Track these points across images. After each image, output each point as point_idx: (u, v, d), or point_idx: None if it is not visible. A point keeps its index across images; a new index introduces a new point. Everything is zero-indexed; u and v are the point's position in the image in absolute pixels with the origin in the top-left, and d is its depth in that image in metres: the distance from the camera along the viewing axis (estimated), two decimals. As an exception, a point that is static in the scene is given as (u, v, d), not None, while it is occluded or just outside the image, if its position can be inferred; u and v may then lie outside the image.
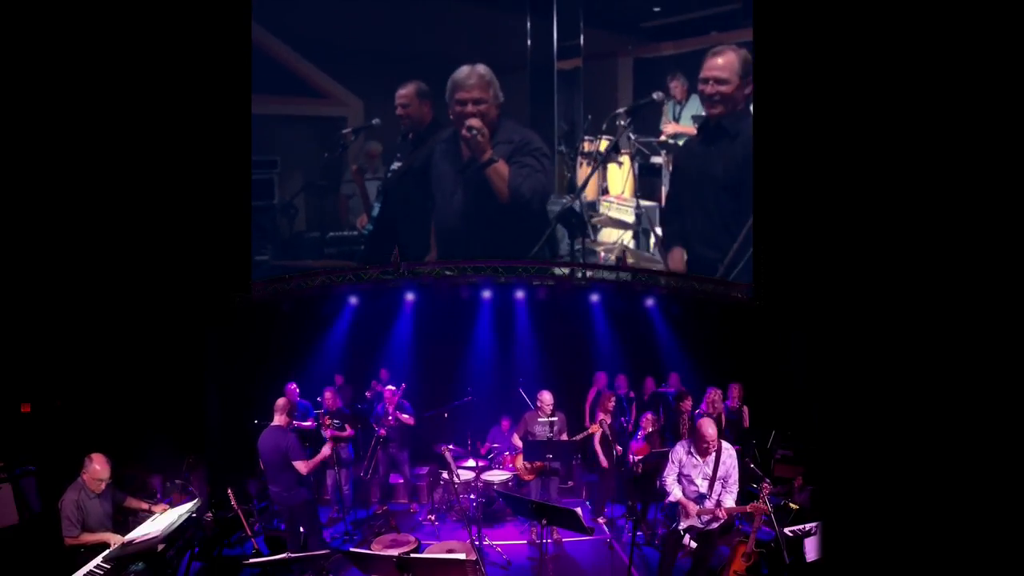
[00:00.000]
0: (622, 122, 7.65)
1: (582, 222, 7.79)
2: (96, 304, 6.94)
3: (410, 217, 7.89)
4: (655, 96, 7.59)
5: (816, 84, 5.69)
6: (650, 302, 8.99)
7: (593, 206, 8.11)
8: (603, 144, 7.92)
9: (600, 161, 7.75)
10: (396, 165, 7.80)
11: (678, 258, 7.68)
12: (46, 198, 6.66)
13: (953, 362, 2.75)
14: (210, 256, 7.56)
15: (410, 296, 8.98)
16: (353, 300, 8.83)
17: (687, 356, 8.75)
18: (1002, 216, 2.82)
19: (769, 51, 7.91)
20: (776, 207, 7.76)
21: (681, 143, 7.77)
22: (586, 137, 7.95)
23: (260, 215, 7.71)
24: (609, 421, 6.82)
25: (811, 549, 4.73)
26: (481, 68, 7.44)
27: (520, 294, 9.04)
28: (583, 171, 7.99)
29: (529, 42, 7.78)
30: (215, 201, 7.61)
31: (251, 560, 4.49)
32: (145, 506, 4.96)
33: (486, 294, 8.96)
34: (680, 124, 7.76)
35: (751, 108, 7.44)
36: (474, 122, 7.39)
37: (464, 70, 7.43)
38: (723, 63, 7.25)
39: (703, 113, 7.57)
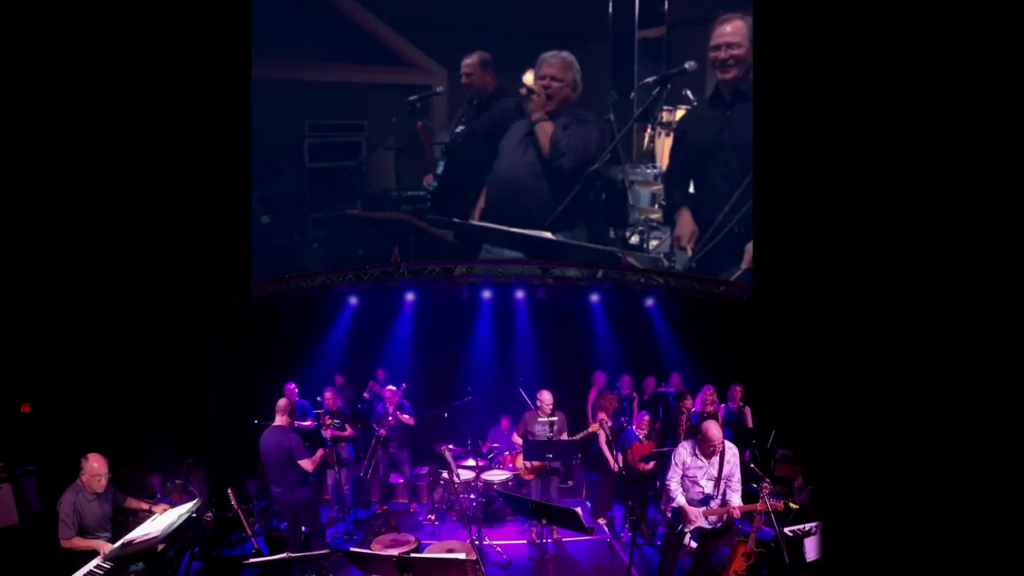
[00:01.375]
0: (653, 91, 7.86)
1: (613, 190, 8.00)
2: (96, 304, 6.94)
3: (472, 177, 8.33)
4: (687, 66, 7.66)
5: (818, 85, 5.69)
6: (650, 302, 8.99)
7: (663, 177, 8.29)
8: (679, 114, 8.02)
9: (624, 130, 7.92)
10: (460, 128, 8.26)
11: (687, 219, 7.81)
12: (46, 198, 6.66)
13: (953, 362, 2.75)
14: (210, 256, 7.56)
15: (410, 296, 8.98)
16: (353, 300, 8.83)
17: (687, 356, 8.75)
18: (1003, 215, 2.82)
19: (770, 51, 7.93)
20: (777, 208, 7.76)
21: (684, 112, 7.90)
22: (665, 107, 8.02)
23: (349, 174, 8.38)
24: (610, 423, 6.82)
25: (811, 549, 4.73)
26: (564, 52, 7.90)
27: (520, 294, 9.04)
28: (660, 141, 8.14)
29: (611, 9, 7.93)
30: (215, 201, 7.61)
31: (251, 560, 4.49)
32: (145, 506, 4.95)
33: (486, 294, 8.96)
34: None
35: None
36: (535, 85, 7.93)
37: (551, 52, 7.93)
38: (732, 29, 7.49)
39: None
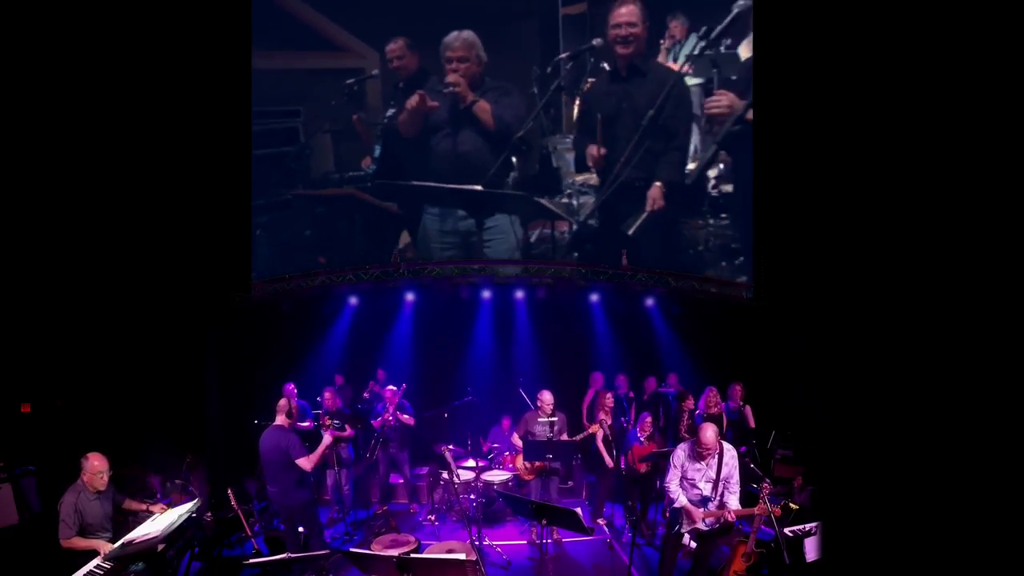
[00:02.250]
0: (566, 66, 8.50)
1: (542, 158, 8.62)
2: (96, 304, 6.94)
3: (409, 155, 8.64)
4: (595, 42, 8.41)
5: (818, 87, 5.70)
6: (650, 302, 8.99)
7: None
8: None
9: (544, 101, 8.49)
10: (391, 112, 8.54)
11: (596, 153, 8.60)
12: (46, 198, 6.67)
13: (953, 362, 2.75)
14: (210, 256, 7.57)
15: (410, 296, 8.98)
16: (353, 300, 8.84)
17: (687, 356, 8.75)
18: (1002, 215, 2.82)
19: (771, 52, 7.94)
20: (777, 208, 7.77)
21: (588, 86, 8.55)
22: (590, 79, 8.58)
23: (289, 158, 8.58)
24: (609, 422, 6.82)
25: (811, 549, 4.73)
26: (466, 33, 8.42)
27: (520, 294, 9.04)
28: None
29: None
30: (215, 201, 7.62)
31: (251, 560, 4.48)
32: (143, 507, 4.95)
33: (486, 294, 8.97)
34: (678, 63, 8.46)
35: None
36: (451, 78, 8.41)
37: (452, 34, 8.43)
38: (627, 11, 8.36)
39: (698, 52, 8.45)
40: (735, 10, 8.20)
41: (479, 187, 8.47)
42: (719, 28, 8.25)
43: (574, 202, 8.55)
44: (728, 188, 8.45)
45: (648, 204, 8.44)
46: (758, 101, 8.14)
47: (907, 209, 3.25)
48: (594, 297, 9.05)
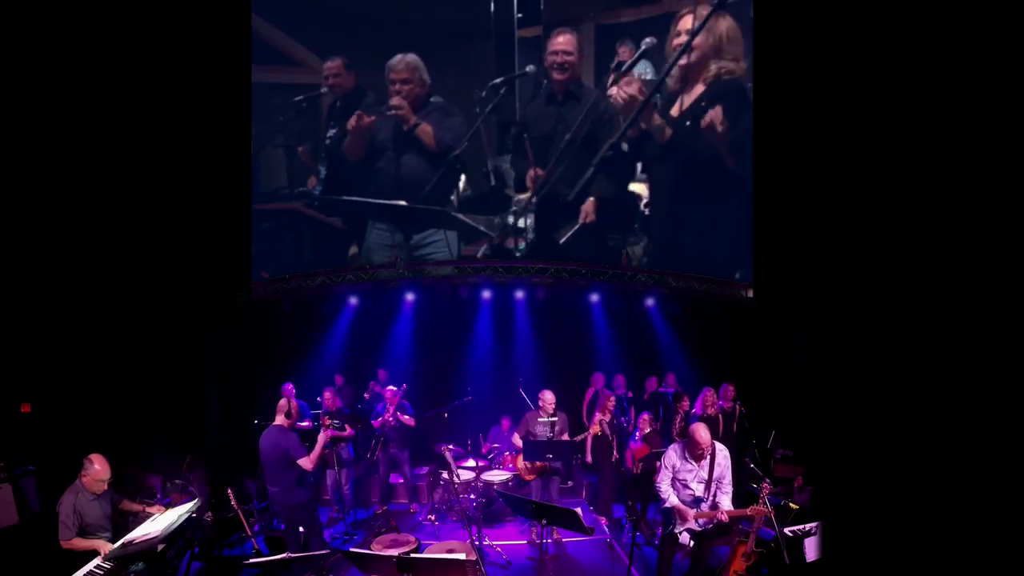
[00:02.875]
0: (502, 91, 8.61)
1: (484, 177, 8.78)
2: (96, 304, 6.94)
3: (353, 176, 8.68)
4: (528, 69, 8.55)
5: (817, 86, 5.69)
6: (650, 302, 8.99)
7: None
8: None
9: (479, 121, 8.60)
10: (332, 132, 8.55)
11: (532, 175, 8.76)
12: (47, 198, 6.67)
13: (954, 361, 2.75)
14: (211, 256, 7.57)
15: (410, 296, 8.99)
16: (353, 300, 8.84)
17: (687, 356, 8.75)
18: (1002, 215, 2.82)
19: (770, 51, 7.94)
20: (777, 207, 7.77)
21: (527, 107, 8.73)
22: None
23: None
24: (608, 420, 6.82)
25: (811, 549, 4.73)
26: (410, 56, 8.52)
27: (520, 294, 9.05)
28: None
29: (492, 8, 8.47)
30: (216, 201, 7.63)
31: (251, 560, 4.48)
32: (140, 508, 4.95)
33: (486, 294, 8.97)
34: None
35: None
36: (395, 100, 8.48)
37: (397, 57, 8.52)
38: (564, 40, 8.55)
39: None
40: (643, 46, 8.42)
41: (403, 202, 8.57)
42: (629, 62, 8.45)
43: (519, 221, 8.66)
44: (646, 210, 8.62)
45: (581, 217, 8.63)
46: (758, 99, 8.15)
47: (907, 209, 3.25)
48: (594, 297, 9.06)
